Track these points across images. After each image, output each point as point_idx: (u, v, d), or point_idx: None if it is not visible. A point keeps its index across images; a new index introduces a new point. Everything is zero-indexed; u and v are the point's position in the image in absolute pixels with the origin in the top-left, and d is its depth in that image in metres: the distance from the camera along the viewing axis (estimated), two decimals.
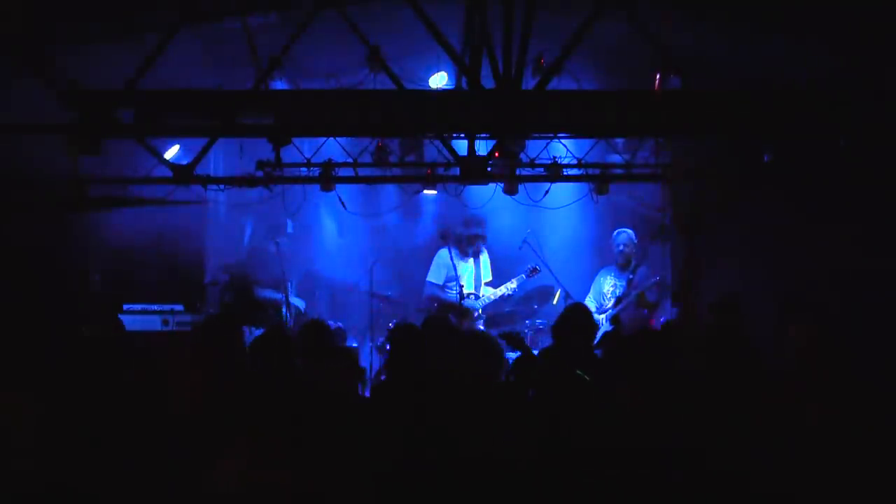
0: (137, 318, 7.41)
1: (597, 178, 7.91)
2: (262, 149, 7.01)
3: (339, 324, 8.31)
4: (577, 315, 5.64)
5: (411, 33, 6.22)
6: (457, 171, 7.17)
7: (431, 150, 7.77)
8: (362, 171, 7.83)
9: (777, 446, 3.75)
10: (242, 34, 6.30)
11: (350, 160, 7.71)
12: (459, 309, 8.26)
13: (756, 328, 6.12)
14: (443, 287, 8.49)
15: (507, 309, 8.94)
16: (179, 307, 7.60)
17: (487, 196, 8.37)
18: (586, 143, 7.87)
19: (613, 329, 8.16)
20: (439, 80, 7.71)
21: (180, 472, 3.75)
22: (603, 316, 8.26)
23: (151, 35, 6.04)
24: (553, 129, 6.82)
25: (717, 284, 7.82)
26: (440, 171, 7.78)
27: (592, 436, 3.87)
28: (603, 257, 8.85)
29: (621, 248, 8.37)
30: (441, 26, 5.93)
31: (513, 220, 9.12)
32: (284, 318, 8.12)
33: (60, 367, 4.84)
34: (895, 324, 6.52)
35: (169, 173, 7.01)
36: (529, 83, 6.26)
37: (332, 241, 9.65)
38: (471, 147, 6.70)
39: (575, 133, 7.27)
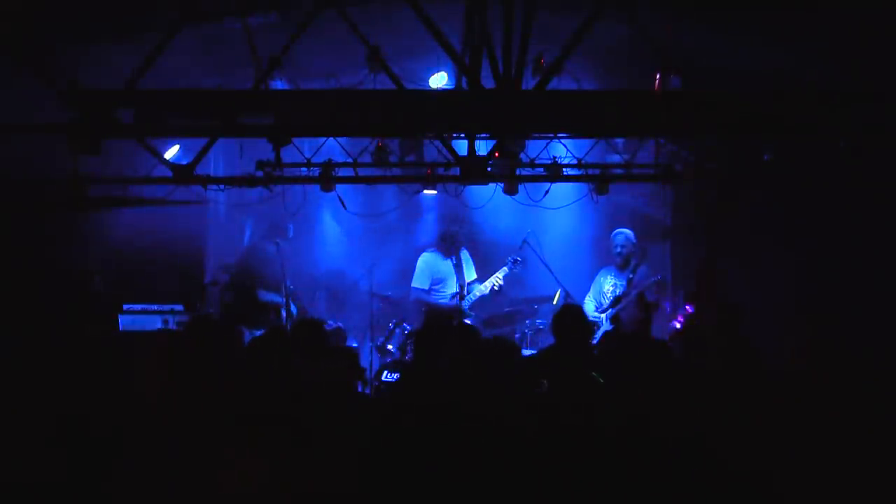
0: (137, 318, 7.41)
1: (597, 178, 7.91)
2: (262, 149, 7.00)
3: (339, 324, 8.32)
4: (568, 316, 5.71)
5: (411, 33, 6.21)
6: (457, 171, 7.16)
7: (431, 150, 7.77)
8: (362, 171, 7.82)
9: (773, 445, 3.76)
10: (242, 34, 6.30)
11: (350, 160, 7.71)
12: (448, 311, 8.26)
13: (759, 328, 6.13)
14: (428, 291, 8.50)
15: (506, 309, 8.95)
16: (179, 307, 7.60)
17: (487, 196, 8.37)
18: (586, 143, 7.87)
19: (613, 329, 8.17)
20: (439, 80, 7.71)
21: (182, 472, 3.75)
22: (603, 315, 8.27)
23: (151, 35, 6.04)
24: (553, 129, 6.82)
25: (721, 284, 7.86)
26: (440, 171, 7.77)
27: (598, 428, 3.89)
28: (603, 257, 8.84)
29: (619, 249, 8.37)
30: (441, 26, 5.93)
31: (513, 220, 9.13)
32: (283, 321, 8.13)
33: (61, 367, 4.85)
34: (894, 324, 6.53)
35: (169, 173, 7.01)
36: (529, 83, 6.25)
37: (332, 242, 9.66)
38: (471, 147, 6.69)
39: (575, 133, 7.27)
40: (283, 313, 8.19)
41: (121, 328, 7.38)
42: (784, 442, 3.83)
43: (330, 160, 7.68)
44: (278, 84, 6.64)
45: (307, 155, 7.70)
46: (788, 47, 6.40)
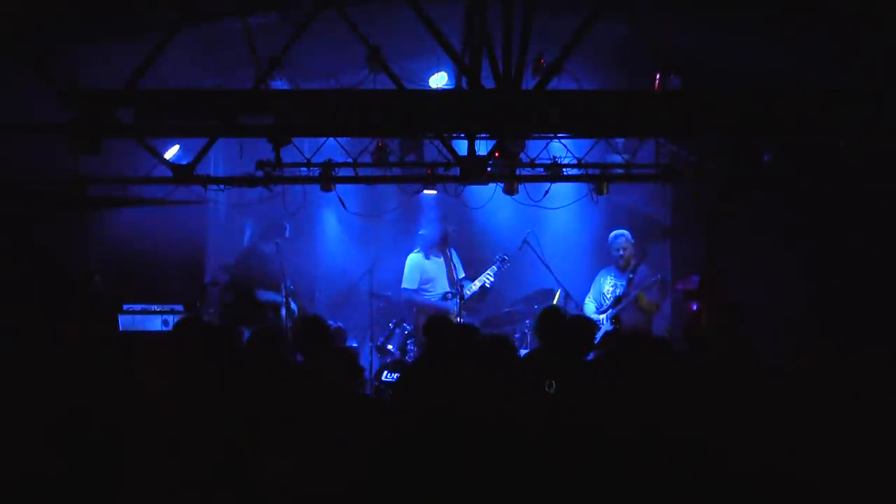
0: (137, 318, 7.41)
1: (597, 178, 7.90)
2: (262, 149, 7.00)
3: (340, 324, 8.32)
4: (550, 318, 5.76)
5: (411, 33, 6.21)
6: (457, 171, 7.16)
7: (431, 150, 7.77)
8: (362, 171, 7.82)
9: (773, 444, 3.76)
10: (242, 34, 6.30)
11: (350, 160, 7.71)
12: (438, 310, 8.26)
13: (759, 328, 6.13)
14: (418, 291, 8.51)
15: (506, 309, 8.95)
16: (179, 307, 7.60)
17: (487, 196, 8.37)
18: (586, 143, 7.87)
19: (614, 328, 8.17)
20: (439, 80, 7.71)
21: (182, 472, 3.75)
22: (603, 315, 8.27)
23: (151, 35, 6.04)
24: (553, 129, 6.82)
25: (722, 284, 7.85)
26: (440, 171, 7.77)
27: (599, 427, 3.90)
28: (603, 257, 8.84)
29: (620, 252, 8.36)
30: (441, 26, 5.93)
31: (513, 220, 9.13)
32: (283, 320, 8.13)
33: (61, 367, 4.84)
34: (894, 324, 6.53)
35: (169, 173, 7.01)
36: (529, 83, 6.26)
37: (332, 242, 9.66)
38: (471, 147, 6.69)
39: (575, 133, 7.26)
40: (284, 312, 8.19)
41: (121, 328, 7.38)
42: (784, 442, 3.83)
43: (330, 160, 7.67)
44: (278, 84, 6.64)
45: (307, 155, 7.70)
46: (788, 47, 6.41)
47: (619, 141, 8.13)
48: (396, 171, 7.94)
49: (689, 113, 6.09)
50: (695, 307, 8.33)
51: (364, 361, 8.38)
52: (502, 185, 7.82)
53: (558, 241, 9.05)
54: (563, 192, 8.41)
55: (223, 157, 8.69)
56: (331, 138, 7.61)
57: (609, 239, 8.50)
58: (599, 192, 7.99)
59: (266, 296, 8.28)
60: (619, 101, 6.18)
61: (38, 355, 5.19)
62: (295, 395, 4.37)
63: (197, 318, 6.97)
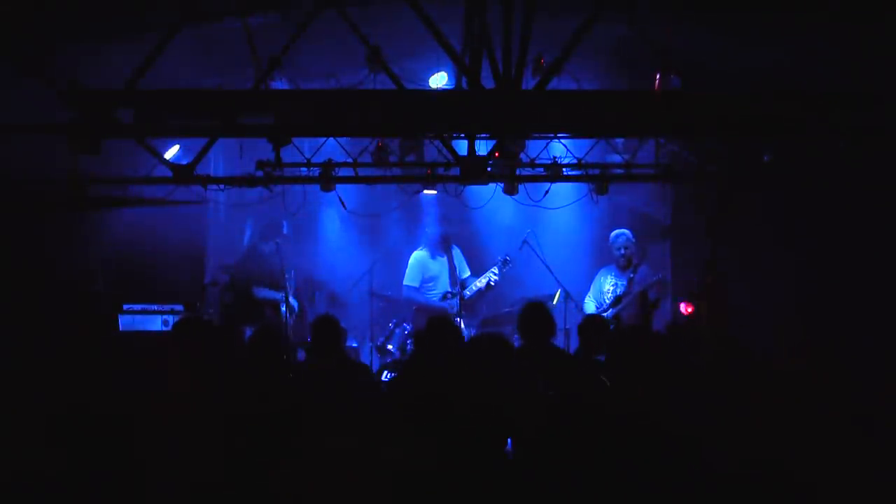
0: (137, 318, 7.42)
1: (597, 178, 7.91)
2: (262, 149, 7.00)
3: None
4: (533, 313, 5.82)
5: (411, 33, 6.20)
6: (457, 171, 7.16)
7: (431, 150, 7.77)
8: (362, 171, 7.82)
9: (772, 444, 3.76)
10: (242, 34, 6.29)
11: (350, 160, 7.71)
12: (437, 310, 8.27)
13: (758, 328, 6.14)
14: (419, 289, 8.52)
15: (506, 309, 8.95)
16: (179, 307, 7.60)
17: (487, 196, 8.38)
18: (586, 143, 7.87)
19: (614, 328, 8.16)
20: (439, 80, 7.71)
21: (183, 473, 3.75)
22: (603, 315, 8.27)
23: (151, 35, 6.03)
24: (553, 129, 6.82)
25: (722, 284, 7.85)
26: (440, 171, 7.78)
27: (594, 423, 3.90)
28: (603, 257, 8.85)
29: (622, 251, 8.36)
30: (441, 26, 5.92)
31: (513, 220, 9.13)
32: (284, 317, 8.14)
33: (62, 367, 4.84)
34: (894, 324, 6.53)
35: (169, 173, 7.01)
36: (529, 83, 6.25)
37: (332, 241, 9.66)
38: (471, 147, 6.69)
39: (575, 133, 7.27)
40: (283, 309, 8.20)
41: (121, 328, 7.39)
42: (783, 442, 3.82)
43: (330, 160, 7.68)
44: (278, 84, 6.64)
45: (307, 155, 7.70)
46: (788, 48, 6.40)
47: (619, 141, 8.14)
48: (396, 171, 7.95)
49: (689, 113, 6.09)
50: (683, 307, 8.35)
51: (364, 361, 8.39)
52: (502, 185, 7.82)
53: (558, 241, 9.06)
54: (563, 192, 8.41)
55: (223, 157, 8.70)
56: (331, 138, 7.61)
57: (610, 238, 8.51)
58: (599, 192, 8.00)
59: (263, 293, 8.30)
60: (619, 101, 6.18)
61: (37, 355, 5.20)
62: (305, 395, 4.39)
63: (198, 318, 6.97)
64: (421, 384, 4.74)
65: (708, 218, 8.63)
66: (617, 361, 4.55)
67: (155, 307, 7.53)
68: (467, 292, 8.48)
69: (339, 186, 7.79)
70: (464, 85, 6.64)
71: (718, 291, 7.96)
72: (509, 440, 4.15)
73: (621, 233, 8.46)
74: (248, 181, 7.50)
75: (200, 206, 8.07)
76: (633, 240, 8.42)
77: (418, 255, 8.66)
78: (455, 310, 8.42)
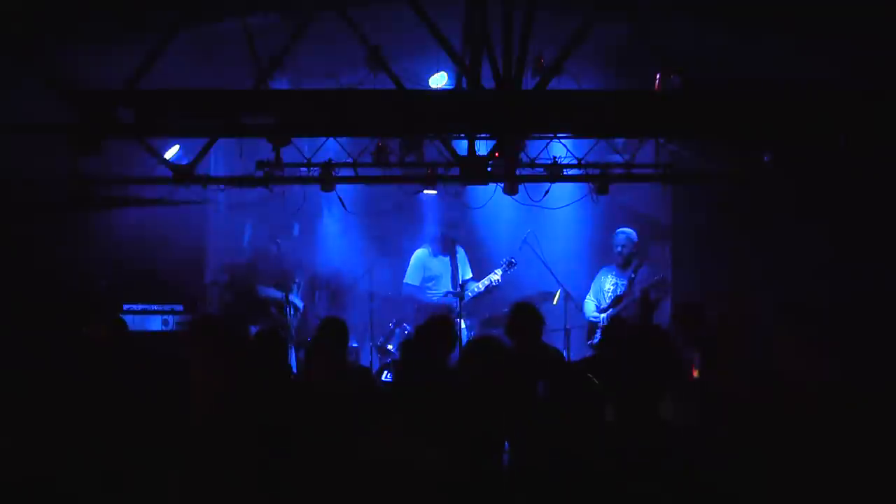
0: (137, 318, 7.42)
1: (597, 178, 7.90)
2: (262, 149, 7.00)
3: None
4: (522, 314, 5.80)
5: (411, 33, 6.21)
6: (457, 171, 7.17)
7: (431, 150, 7.77)
8: (362, 171, 7.82)
9: (772, 445, 3.75)
10: (242, 34, 6.30)
11: (350, 160, 7.71)
12: (438, 308, 8.27)
13: (758, 328, 6.12)
14: (420, 288, 8.52)
15: (506, 309, 8.93)
16: (179, 307, 7.60)
17: (487, 196, 8.37)
18: (586, 143, 7.86)
19: (612, 321, 8.18)
20: (439, 80, 7.71)
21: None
22: (603, 315, 8.27)
23: (151, 35, 6.03)
24: (553, 129, 6.82)
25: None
26: (440, 171, 7.78)
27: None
28: (603, 257, 8.85)
29: (620, 249, 8.37)
30: (441, 26, 5.93)
31: (513, 220, 9.13)
32: (287, 316, 8.15)
33: (63, 368, 4.84)
34: (894, 324, 6.52)
35: (169, 173, 7.01)
36: (529, 83, 6.25)
37: (332, 242, 9.66)
38: (471, 147, 6.70)
39: (575, 133, 7.27)
40: (287, 309, 8.21)
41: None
42: (783, 442, 3.82)
43: (330, 160, 7.67)
44: (279, 84, 6.65)
45: (307, 155, 7.70)
46: (789, 48, 6.40)
47: (619, 141, 8.12)
48: (396, 171, 7.94)
49: (689, 113, 6.09)
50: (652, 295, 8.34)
51: (364, 361, 8.39)
52: (502, 185, 7.82)
53: (558, 241, 9.06)
54: (563, 192, 8.40)
55: (223, 157, 8.69)
56: (331, 138, 7.61)
57: (613, 236, 8.52)
58: (599, 192, 7.99)
59: (267, 291, 8.31)
60: (619, 101, 6.18)
61: (38, 355, 5.19)
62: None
63: (215, 316, 6.95)
64: (414, 392, 4.73)
65: (708, 218, 8.63)
66: (612, 359, 4.54)
67: (155, 307, 7.53)
68: (468, 293, 8.48)
69: (339, 186, 7.78)
70: (464, 85, 6.65)
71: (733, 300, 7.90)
72: (506, 443, 4.14)
73: (623, 231, 8.47)
74: (248, 181, 7.50)
75: (200, 206, 8.07)
76: (635, 240, 8.42)
77: (420, 254, 8.66)
78: (456, 307, 8.43)
